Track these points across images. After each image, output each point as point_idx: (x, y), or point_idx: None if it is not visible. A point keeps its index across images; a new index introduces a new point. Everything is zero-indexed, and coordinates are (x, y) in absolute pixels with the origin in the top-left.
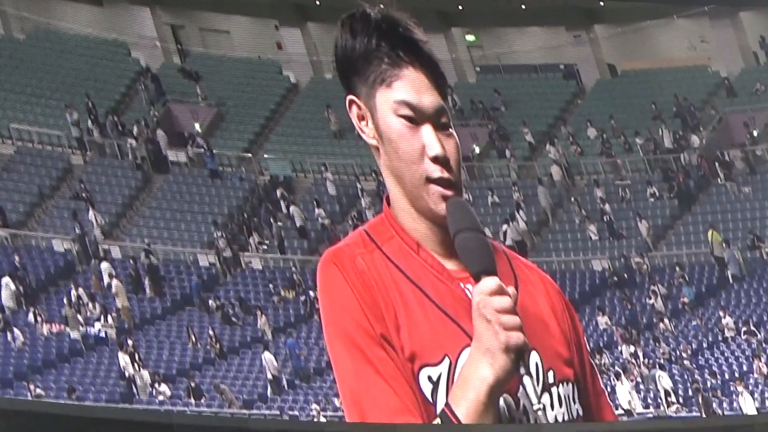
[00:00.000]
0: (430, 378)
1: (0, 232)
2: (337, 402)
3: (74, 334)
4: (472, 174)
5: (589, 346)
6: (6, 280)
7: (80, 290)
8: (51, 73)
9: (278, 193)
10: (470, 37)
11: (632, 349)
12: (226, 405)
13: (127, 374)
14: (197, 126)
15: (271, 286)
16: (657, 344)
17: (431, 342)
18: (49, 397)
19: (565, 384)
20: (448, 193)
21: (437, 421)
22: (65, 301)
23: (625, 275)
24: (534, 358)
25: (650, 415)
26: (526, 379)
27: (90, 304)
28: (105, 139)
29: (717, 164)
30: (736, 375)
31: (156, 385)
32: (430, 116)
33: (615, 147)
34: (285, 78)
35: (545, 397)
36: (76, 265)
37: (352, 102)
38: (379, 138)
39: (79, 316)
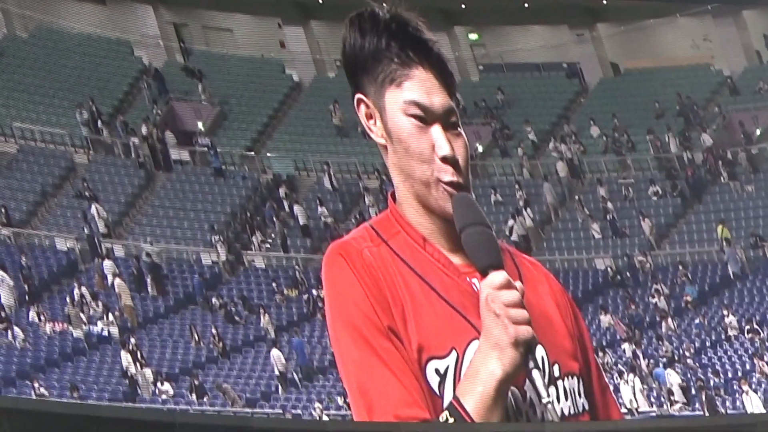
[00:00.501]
0: (437, 370)
1: (3, 230)
2: (340, 401)
3: (77, 333)
4: (474, 173)
5: (592, 344)
6: (1, 274)
7: (83, 289)
8: (54, 71)
9: (281, 191)
10: (473, 36)
11: (634, 348)
12: (229, 404)
13: (129, 373)
14: (200, 124)
15: (274, 284)
16: (660, 343)
17: (438, 335)
18: (52, 396)
19: (570, 377)
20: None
21: (445, 414)
22: (68, 299)
23: (628, 274)
24: (539, 351)
25: (653, 414)
26: (535, 373)
27: (93, 303)
28: (108, 138)
29: (720, 163)
30: (739, 374)
31: (159, 383)
32: (439, 116)
33: (612, 145)
34: (288, 76)
35: (551, 391)
36: (79, 263)
37: (360, 101)
38: (388, 137)
39: (82, 315)
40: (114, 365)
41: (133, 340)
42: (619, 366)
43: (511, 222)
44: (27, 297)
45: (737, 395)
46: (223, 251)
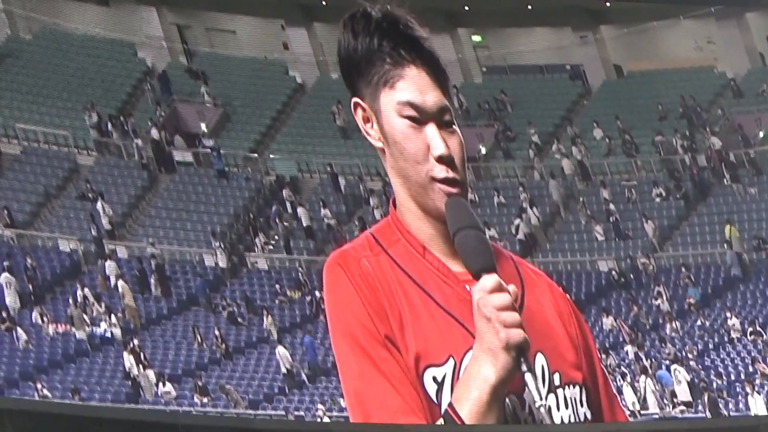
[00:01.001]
0: (434, 378)
1: (6, 231)
2: (342, 402)
3: (80, 334)
4: (478, 174)
5: (599, 354)
6: (5, 275)
7: (86, 290)
8: (57, 73)
9: (284, 193)
10: (476, 38)
11: (637, 350)
12: (232, 405)
13: (132, 374)
14: (203, 126)
15: (277, 286)
16: (663, 345)
17: (436, 342)
18: (55, 396)
19: (571, 387)
20: (454, 191)
21: (441, 421)
22: (71, 301)
23: (631, 276)
24: (540, 360)
25: (656, 416)
26: (528, 377)
27: (96, 304)
28: (111, 139)
29: (723, 165)
30: (742, 376)
31: (161, 385)
32: (433, 115)
33: (620, 147)
34: (291, 78)
35: (551, 399)
36: (82, 265)
37: (357, 105)
38: (384, 140)
39: (85, 316)
40: (117, 366)
41: (135, 342)
42: (622, 368)
43: (517, 221)
44: (30, 298)
45: (740, 397)
46: (224, 258)
